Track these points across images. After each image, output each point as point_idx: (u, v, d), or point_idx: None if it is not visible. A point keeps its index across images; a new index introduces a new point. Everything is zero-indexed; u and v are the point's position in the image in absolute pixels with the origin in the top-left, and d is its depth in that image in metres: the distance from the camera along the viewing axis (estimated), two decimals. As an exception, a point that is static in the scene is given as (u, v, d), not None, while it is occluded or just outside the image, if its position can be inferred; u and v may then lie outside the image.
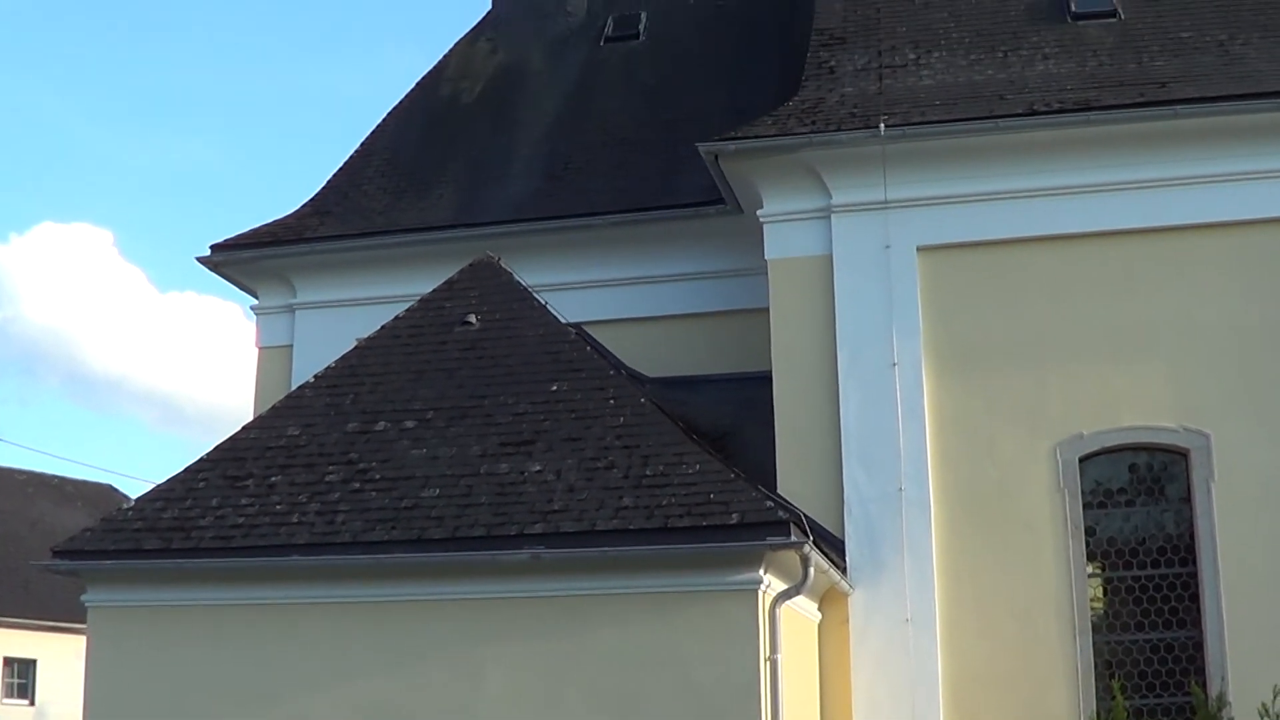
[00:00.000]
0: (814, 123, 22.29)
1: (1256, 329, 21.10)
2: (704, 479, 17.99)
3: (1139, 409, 21.18)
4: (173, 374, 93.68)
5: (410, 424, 19.95)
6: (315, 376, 21.58)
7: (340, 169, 28.82)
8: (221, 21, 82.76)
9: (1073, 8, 24.57)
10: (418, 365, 21.11)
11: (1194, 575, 20.82)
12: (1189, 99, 21.64)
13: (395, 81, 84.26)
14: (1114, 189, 21.72)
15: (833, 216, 22.21)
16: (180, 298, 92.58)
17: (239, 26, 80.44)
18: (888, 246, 21.90)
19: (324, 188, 28.37)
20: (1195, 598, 20.77)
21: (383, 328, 22.10)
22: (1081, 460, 21.23)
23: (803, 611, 19.31)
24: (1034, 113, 21.86)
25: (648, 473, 18.27)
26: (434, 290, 22.48)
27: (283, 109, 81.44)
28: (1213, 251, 21.46)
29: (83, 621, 19.98)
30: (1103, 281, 21.56)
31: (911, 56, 24.01)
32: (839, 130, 21.99)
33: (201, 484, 19.61)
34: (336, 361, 21.73)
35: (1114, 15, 24.34)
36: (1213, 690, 19.16)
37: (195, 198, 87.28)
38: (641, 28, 30.48)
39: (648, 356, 23.98)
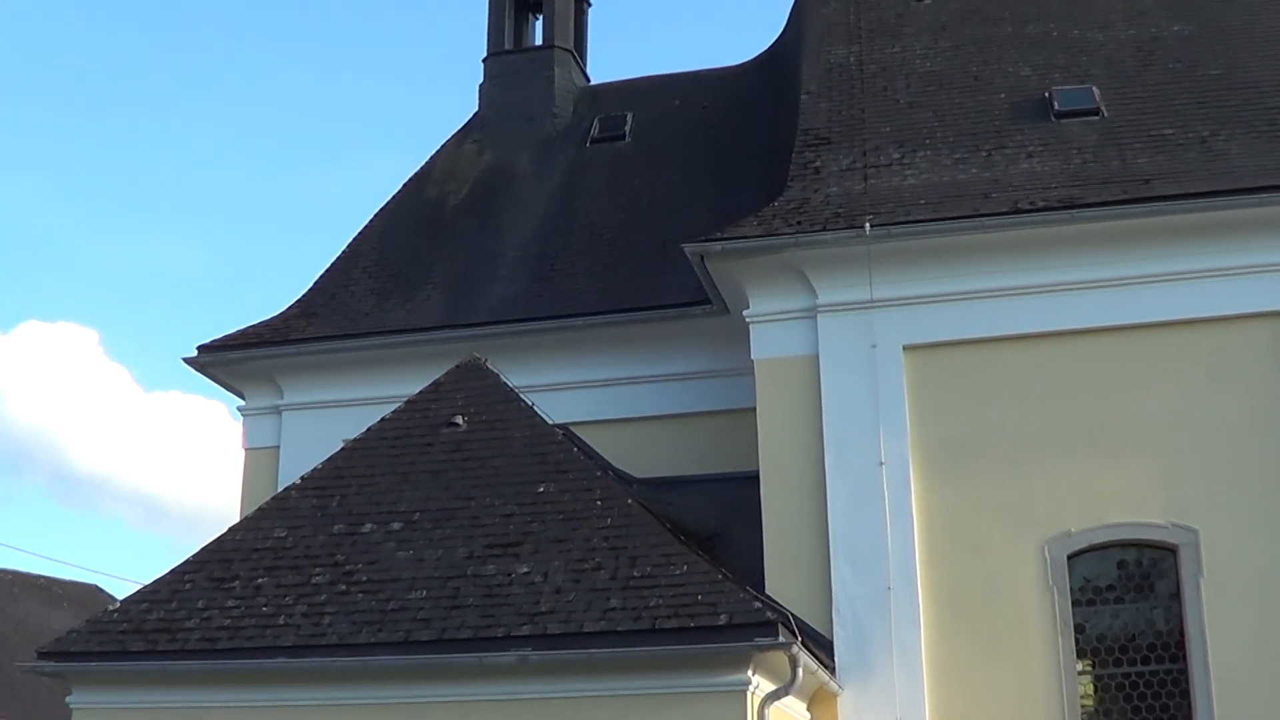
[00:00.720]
0: (799, 223, 22.38)
1: (1242, 424, 21.11)
2: (691, 580, 17.90)
3: (1127, 505, 21.13)
4: (157, 473, 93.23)
5: (397, 526, 19.87)
6: (302, 478, 21.51)
7: (327, 270, 28.84)
8: (210, 124, 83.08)
9: (1056, 106, 24.76)
10: (404, 467, 21.05)
11: (1184, 672, 20.71)
12: (1172, 196, 21.77)
13: (382, 183, 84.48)
14: (1099, 286, 21.78)
15: (819, 316, 22.25)
16: (165, 397, 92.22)
17: (227, 129, 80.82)
18: (874, 346, 21.93)
19: (311, 289, 28.39)
20: (1186, 694, 20.64)
21: (369, 429, 22.05)
22: (1070, 557, 21.13)
23: (792, 712, 19.15)
24: (1018, 211, 21.95)
25: (635, 574, 18.20)
26: (420, 392, 22.45)
27: (270, 210, 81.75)
28: (1198, 347, 21.51)
29: (69, 723, 19.78)
30: (1089, 378, 21.58)
31: (896, 156, 24.14)
32: (824, 230, 22.08)
33: (188, 585, 19.52)
34: (323, 463, 21.67)
35: (1097, 113, 24.53)
36: (1205, 787, 19.10)
37: (181, 297, 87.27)
38: (627, 129, 30.69)
39: (635, 457, 23.93)
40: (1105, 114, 24.51)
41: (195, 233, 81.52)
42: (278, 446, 26.78)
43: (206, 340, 27.30)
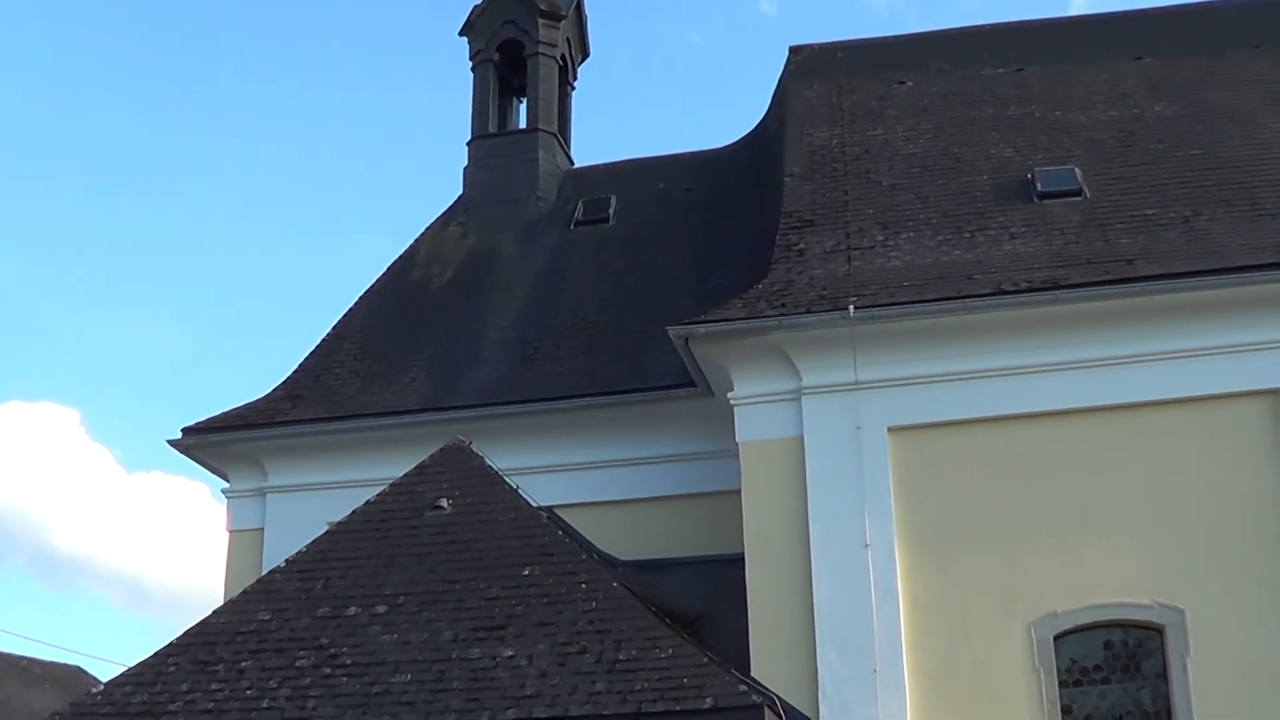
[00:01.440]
0: (783, 305, 22.43)
1: (1227, 503, 21.13)
2: (677, 663, 17.84)
3: (1112, 586, 21.09)
4: (140, 555, 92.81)
5: (382, 609, 19.78)
6: (286, 561, 21.41)
7: (312, 353, 28.84)
8: (196, 206, 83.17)
9: (1039, 187, 24.91)
10: (389, 550, 20.95)
11: (1173, 752, 20.67)
12: (1155, 276, 21.87)
13: (366, 265, 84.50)
14: (1083, 366, 21.85)
15: (803, 398, 22.27)
16: (147, 478, 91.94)
17: (213, 211, 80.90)
18: (858, 427, 21.94)
19: (296, 371, 28.38)
20: (1174, 774, 20.59)
21: (354, 512, 21.96)
22: (1056, 638, 21.06)
23: (779, 796, 19.08)
24: (1002, 292, 22.03)
25: (621, 657, 18.13)
26: (405, 474, 22.38)
27: (254, 292, 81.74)
28: (1182, 426, 21.55)
29: (52, 809, 19.62)
30: (1073, 458, 21.59)
31: (879, 238, 24.23)
32: (808, 313, 22.13)
33: (172, 668, 19.41)
34: (308, 546, 21.56)
35: (1079, 194, 24.67)
36: None
37: (164, 378, 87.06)
38: (611, 211, 30.80)
39: (620, 539, 23.84)
40: (1088, 194, 24.65)
41: (179, 313, 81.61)
42: (262, 529, 26.70)
43: (189, 421, 27.29)
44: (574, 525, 22.70)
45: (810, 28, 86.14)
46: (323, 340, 29.14)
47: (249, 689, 18.79)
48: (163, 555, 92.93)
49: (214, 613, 20.66)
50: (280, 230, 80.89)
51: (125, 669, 20.06)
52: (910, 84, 29.19)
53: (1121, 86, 28.09)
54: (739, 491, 22.31)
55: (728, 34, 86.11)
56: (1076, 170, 25.32)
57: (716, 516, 23.58)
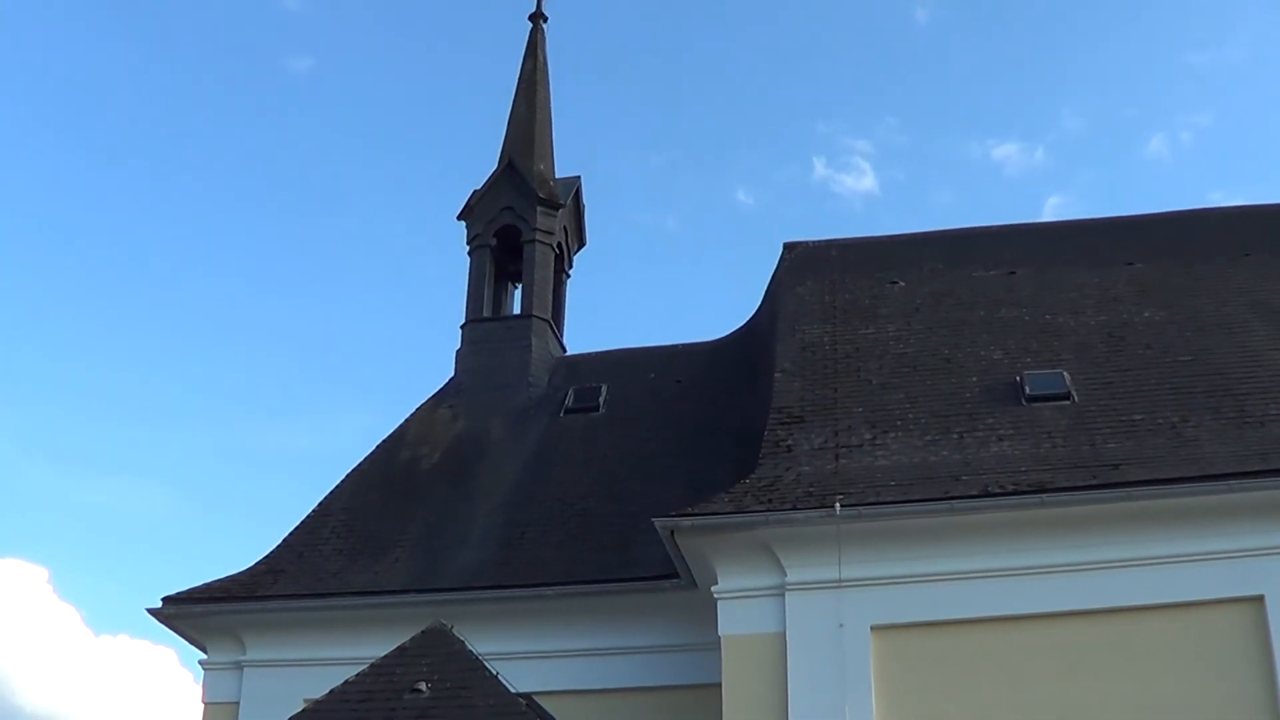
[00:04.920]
0: (770, 501, 22.47)
1: (1210, 710, 20.96)
2: None
3: (1097, 792, 20.98)
4: (108, 718, 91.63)
5: (356, 793, 19.64)
6: (262, 737, 21.32)
7: (297, 528, 28.78)
8: (186, 371, 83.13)
9: (1027, 390, 25.05)
10: (366, 732, 20.85)
11: None
12: (1141, 481, 21.93)
13: (353, 440, 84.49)
14: (1068, 570, 21.79)
15: (787, 594, 22.23)
16: (114, 641, 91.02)
17: (202, 379, 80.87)
18: (841, 625, 21.84)
19: (280, 546, 28.29)
20: None
21: (332, 691, 21.79)
22: (1040, 846, 20.91)
23: None
24: (988, 494, 22.09)
25: None
26: (385, 656, 22.25)
27: (237, 461, 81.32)
28: (1166, 632, 21.46)
29: None
30: (1057, 663, 21.46)
31: (868, 436, 24.32)
32: (795, 509, 22.18)
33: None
34: (283, 723, 21.48)
35: (1068, 398, 24.80)
36: None
37: (136, 541, 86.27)
38: (601, 400, 30.94)
39: (600, 729, 23.78)
40: (1076, 399, 24.79)
41: (158, 478, 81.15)
42: (238, 702, 26.46)
43: (160, 586, 27.24)
44: (553, 713, 22.53)
45: (788, 221, 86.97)
46: (308, 516, 29.10)
47: None
48: None
49: (188, 790, 20.51)
50: (269, 401, 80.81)
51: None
52: (903, 284, 29.49)
53: (1111, 292, 28.37)
54: (720, 685, 22.16)
55: (707, 224, 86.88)
56: (1065, 374, 25.48)
57: (697, 710, 23.38)
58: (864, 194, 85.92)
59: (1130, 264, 29.47)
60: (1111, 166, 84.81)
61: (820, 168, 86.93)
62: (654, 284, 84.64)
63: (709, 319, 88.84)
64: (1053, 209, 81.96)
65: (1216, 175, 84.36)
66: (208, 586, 27.19)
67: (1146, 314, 27.45)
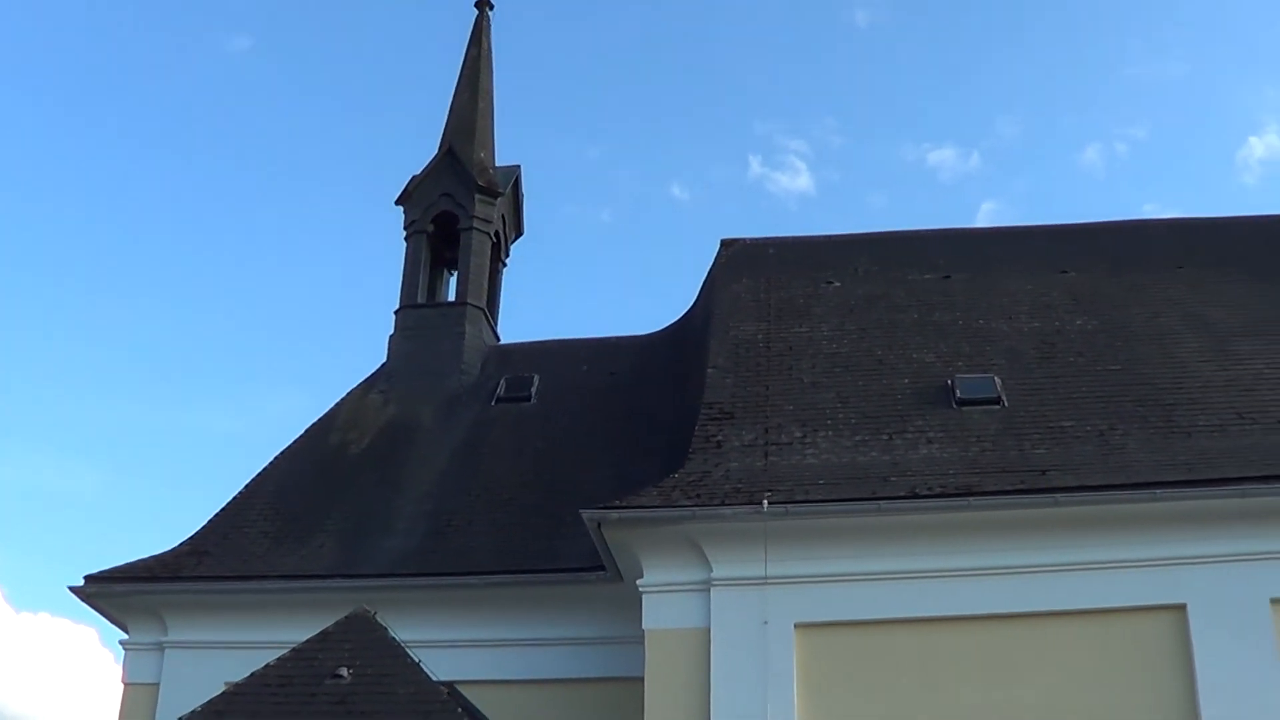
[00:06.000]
0: (698, 496, 22.47)
1: (1130, 716, 21.13)
2: None
3: (1016, 796, 21.05)
4: (27, 698, 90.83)
5: (273, 777, 19.53)
6: (180, 719, 21.13)
7: (223, 509, 28.57)
8: (113, 348, 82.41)
9: (958, 394, 25.15)
10: (285, 716, 20.65)
11: None
12: (1068, 488, 22.07)
13: (283, 424, 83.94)
14: (994, 573, 21.92)
15: (712, 590, 22.21)
16: (34, 619, 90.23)
17: (130, 355, 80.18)
18: (766, 622, 21.86)
19: (205, 527, 28.08)
20: None
21: (253, 675, 21.67)
22: (954, 843, 20.96)
23: None
24: (916, 496, 22.16)
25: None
26: (307, 640, 22.14)
27: (162, 440, 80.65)
28: (1089, 638, 21.58)
29: None
30: (980, 665, 21.58)
31: (798, 435, 24.35)
32: (723, 505, 22.18)
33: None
34: (203, 705, 21.18)
35: (998, 403, 24.92)
36: None
37: (61, 519, 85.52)
38: (533, 390, 30.90)
39: (521, 719, 23.67)
40: (1006, 404, 24.91)
41: (84, 455, 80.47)
42: (158, 684, 26.25)
43: (83, 564, 27.05)
44: (475, 702, 22.50)
45: (723, 218, 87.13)
46: (234, 498, 28.91)
47: None
48: (49, 701, 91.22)
49: (104, 769, 20.36)
50: (200, 380, 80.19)
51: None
52: (838, 284, 29.56)
53: (1045, 299, 28.50)
54: (643, 679, 22.13)
55: (642, 218, 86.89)
56: (996, 379, 25.60)
57: (619, 702, 23.35)
58: (799, 193, 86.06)
59: (1065, 272, 29.61)
60: (1046, 174, 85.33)
61: (756, 166, 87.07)
62: (589, 276, 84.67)
63: (643, 312, 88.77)
64: (987, 214, 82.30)
65: (1151, 187, 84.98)
66: (131, 566, 26.97)
67: (1079, 322, 27.60)
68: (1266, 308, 27.76)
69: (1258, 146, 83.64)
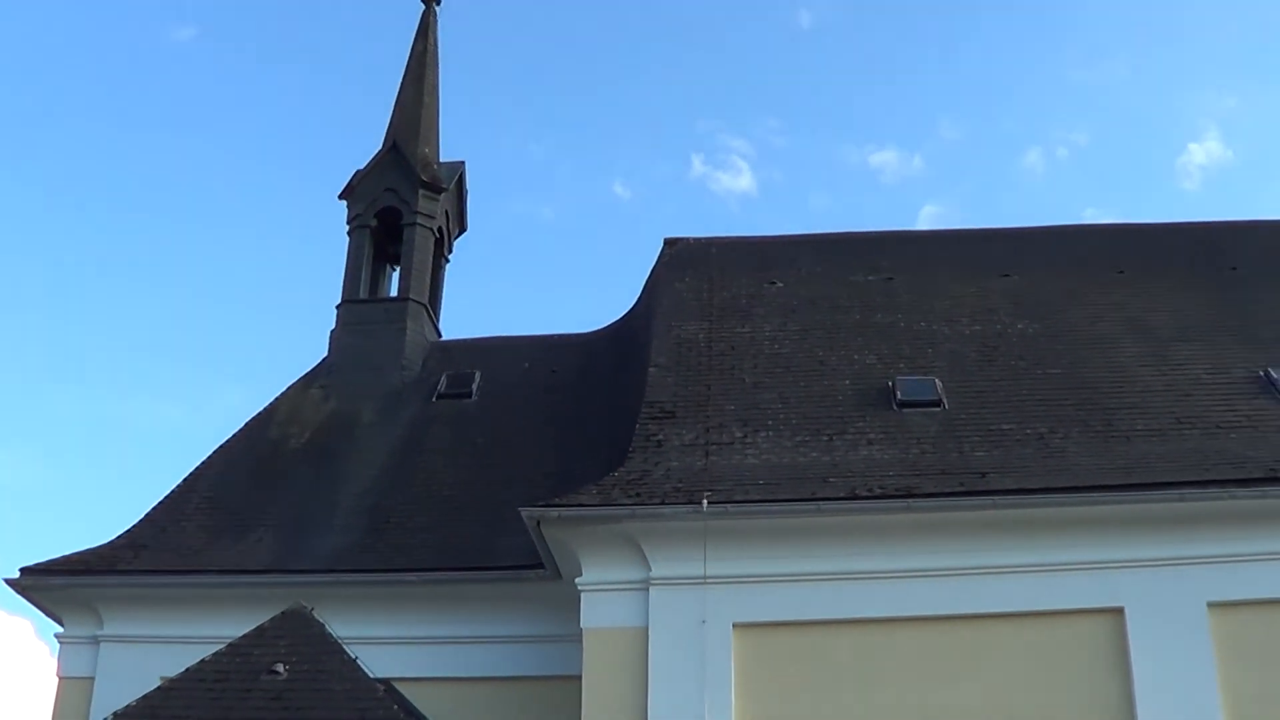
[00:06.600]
0: (638, 495, 22.45)
1: (1068, 718, 21.22)
2: None
3: (952, 797, 21.10)
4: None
5: (207, 772, 19.43)
6: (115, 714, 20.97)
7: (160, 503, 28.39)
8: (49, 341, 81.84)
9: (899, 396, 25.23)
10: (220, 711, 20.58)
11: None
12: (1007, 490, 22.17)
13: (223, 417, 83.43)
14: (932, 575, 21.95)
15: (651, 589, 22.19)
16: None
17: (68, 349, 79.64)
18: (704, 622, 21.84)
19: (142, 520, 27.91)
20: None
21: (188, 669, 21.59)
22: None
23: None
24: (855, 497, 22.20)
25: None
26: (244, 636, 22.07)
27: (102, 432, 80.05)
28: (1026, 640, 21.65)
29: None
30: (917, 667, 21.60)
31: (739, 435, 24.36)
32: (662, 504, 22.16)
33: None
34: (138, 700, 21.13)
35: (938, 405, 25.01)
36: None
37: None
38: (475, 386, 30.82)
39: (459, 717, 23.61)
40: (946, 406, 25.00)
41: (20, 444, 79.73)
42: (94, 678, 26.07)
43: (22, 558, 26.85)
44: (412, 700, 22.44)
45: (665, 217, 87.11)
46: (172, 491, 28.73)
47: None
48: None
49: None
50: (141, 372, 79.64)
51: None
52: (781, 284, 29.60)
53: (987, 302, 28.62)
54: (581, 678, 22.09)
55: (584, 216, 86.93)
56: (937, 381, 25.69)
57: (557, 701, 23.29)
58: (741, 193, 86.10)
59: (1007, 276, 29.75)
60: (988, 178, 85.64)
61: (699, 165, 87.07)
62: (531, 273, 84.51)
63: (585, 310, 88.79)
64: (928, 217, 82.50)
65: (1092, 192, 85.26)
66: (67, 558, 26.79)
67: (1020, 326, 27.72)
68: (1205, 314, 28.00)
69: (1198, 153, 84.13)
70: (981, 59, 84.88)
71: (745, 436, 24.34)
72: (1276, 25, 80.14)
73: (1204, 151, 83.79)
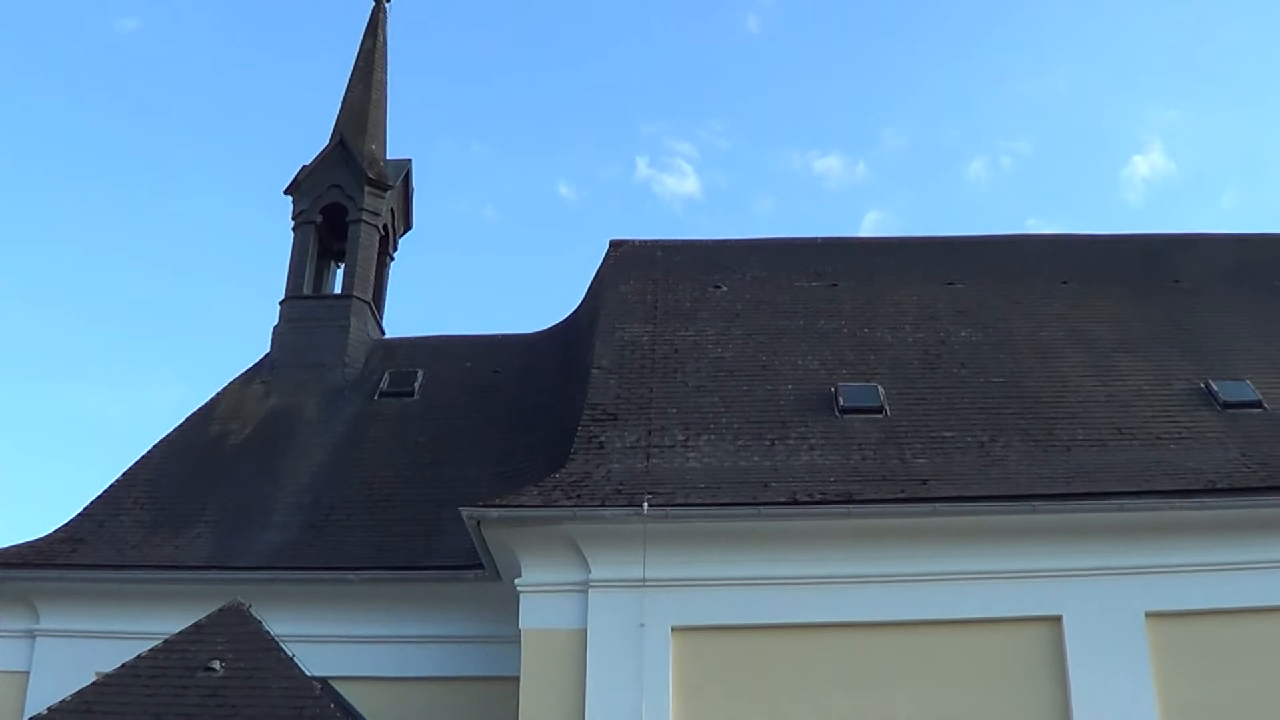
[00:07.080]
0: (578, 497, 22.43)
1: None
2: None
3: (888, 804, 21.13)
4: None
5: (140, 769, 19.32)
6: (49, 709, 20.84)
7: (99, 497, 28.21)
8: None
9: (841, 402, 25.26)
10: (156, 708, 20.46)
11: None
12: (948, 498, 22.25)
13: (162, 412, 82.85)
14: (872, 581, 22.03)
15: (590, 591, 22.17)
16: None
17: (3, 340, 78.98)
18: (642, 625, 21.85)
19: (80, 514, 27.72)
20: None
21: (124, 665, 21.48)
22: None
23: None
24: (796, 502, 22.23)
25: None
26: (180, 632, 21.96)
27: (39, 425, 79.47)
28: (965, 648, 21.76)
29: None
30: (855, 673, 21.66)
31: (680, 438, 24.36)
32: (603, 506, 22.15)
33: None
34: (72, 695, 21.00)
35: (880, 411, 25.06)
36: None
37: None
38: (417, 385, 30.75)
39: (395, 716, 23.49)
40: (888, 413, 25.05)
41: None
42: (28, 672, 25.92)
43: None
44: (349, 699, 22.35)
45: (609, 218, 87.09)
46: (110, 485, 28.55)
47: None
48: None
49: (-35, 758, 20.09)
50: (80, 365, 79.08)
51: None
52: (725, 288, 29.63)
53: (930, 310, 28.71)
54: (519, 679, 22.06)
55: (528, 216, 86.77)
56: (879, 388, 25.76)
57: (495, 702, 23.25)
58: (685, 196, 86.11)
59: (951, 284, 29.84)
60: (931, 186, 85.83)
61: (643, 167, 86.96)
62: (475, 272, 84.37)
63: (529, 311, 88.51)
64: (871, 224, 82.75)
65: (1034, 202, 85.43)
66: (3, 552, 26.57)
67: (963, 334, 27.82)
68: (1147, 325, 28.18)
69: (1141, 165, 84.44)
70: (926, 68, 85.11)
71: (687, 440, 24.35)
72: (1219, 39, 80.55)
73: (1148, 164, 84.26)
